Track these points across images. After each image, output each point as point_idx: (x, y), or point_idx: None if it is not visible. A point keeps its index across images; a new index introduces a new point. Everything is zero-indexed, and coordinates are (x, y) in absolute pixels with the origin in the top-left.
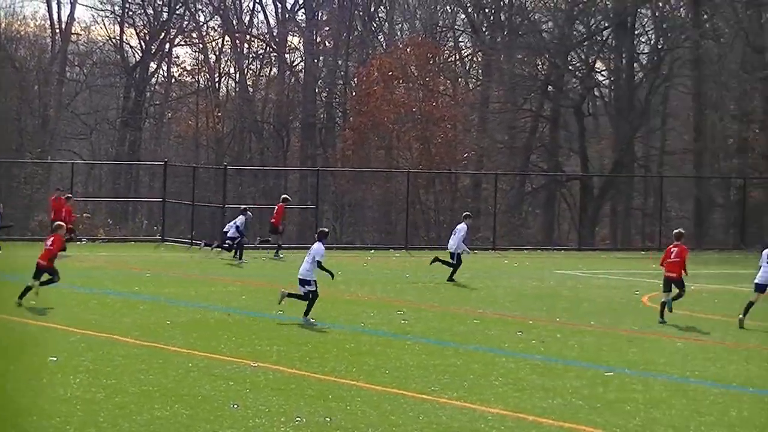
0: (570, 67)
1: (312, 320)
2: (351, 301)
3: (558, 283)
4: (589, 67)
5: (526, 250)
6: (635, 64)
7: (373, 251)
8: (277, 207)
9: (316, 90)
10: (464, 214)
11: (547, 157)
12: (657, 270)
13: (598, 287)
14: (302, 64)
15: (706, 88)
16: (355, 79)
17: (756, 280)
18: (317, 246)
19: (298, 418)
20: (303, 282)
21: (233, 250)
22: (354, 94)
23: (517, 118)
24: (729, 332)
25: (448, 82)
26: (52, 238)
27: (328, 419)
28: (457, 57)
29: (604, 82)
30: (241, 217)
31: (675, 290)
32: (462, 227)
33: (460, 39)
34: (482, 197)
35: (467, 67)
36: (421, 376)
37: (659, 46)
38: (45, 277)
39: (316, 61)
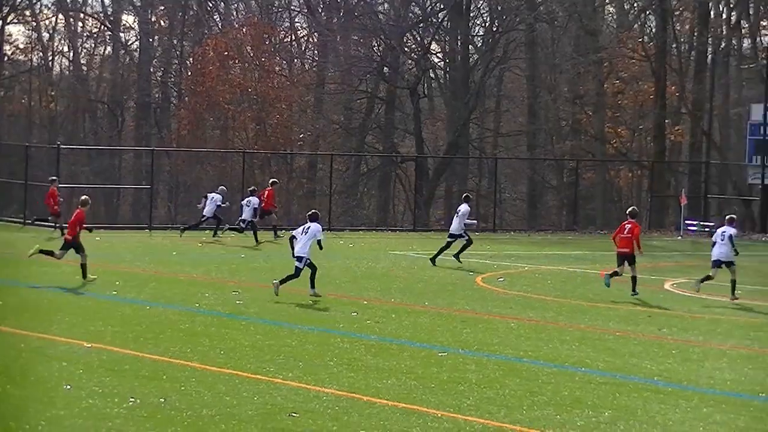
0: (405, 49)
1: (318, 292)
2: (186, 281)
3: (393, 263)
4: (425, 48)
5: (362, 230)
6: (470, 46)
7: (208, 231)
8: (267, 191)
9: (151, 69)
10: (464, 195)
11: (383, 138)
12: (491, 251)
13: (433, 268)
14: (137, 43)
15: (540, 70)
16: (191, 59)
17: (714, 258)
18: (315, 226)
19: (132, 399)
20: (300, 258)
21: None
22: (189, 74)
23: (352, 99)
24: (562, 312)
25: (284, 62)
26: (76, 212)
27: (162, 400)
28: (293, 38)
29: (439, 64)
30: (254, 198)
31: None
32: (465, 208)
33: (296, 19)
34: (318, 178)
35: (303, 48)
36: (255, 357)
37: (494, 29)
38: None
39: (151, 40)
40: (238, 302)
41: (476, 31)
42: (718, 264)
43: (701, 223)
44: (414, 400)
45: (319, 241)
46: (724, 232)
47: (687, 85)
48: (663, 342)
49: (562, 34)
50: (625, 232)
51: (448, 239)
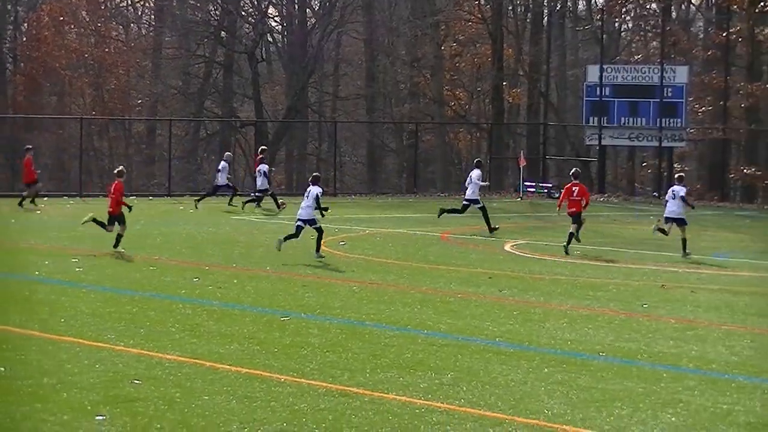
0: (243, 13)
1: (323, 256)
2: (26, 250)
3: (234, 228)
4: (262, 12)
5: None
6: (307, 10)
7: (46, 198)
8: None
9: None
10: (476, 160)
11: (222, 102)
12: (332, 215)
13: (274, 233)
14: None
15: (378, 34)
16: (26, 24)
17: (666, 215)
18: (315, 189)
19: None
20: (307, 222)
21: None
22: (24, 39)
23: (190, 64)
24: (403, 275)
25: (121, 27)
26: (114, 185)
27: (2, 369)
28: (129, 2)
29: (276, 28)
30: (265, 166)
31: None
32: (477, 173)
33: None
34: (157, 143)
35: (139, 13)
36: (96, 324)
37: None
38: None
39: None
40: (78, 269)
41: None
42: (670, 221)
43: (540, 184)
44: (257, 365)
45: (318, 203)
46: (675, 191)
47: (524, 47)
48: (504, 303)
49: None
50: (575, 195)
51: (464, 203)
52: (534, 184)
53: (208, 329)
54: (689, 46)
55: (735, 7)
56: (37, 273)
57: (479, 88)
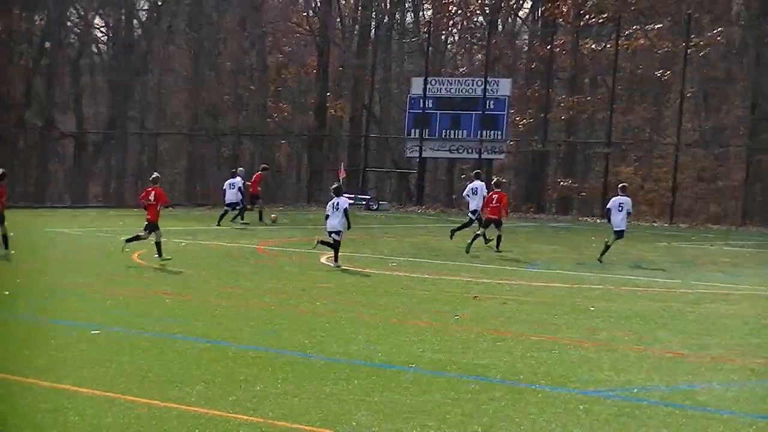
0: (68, 23)
1: (341, 265)
2: None
3: (49, 241)
4: (88, 22)
5: (18, 207)
6: (134, 21)
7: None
8: (255, 176)
9: None
10: (476, 172)
11: (42, 113)
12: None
13: (87, 247)
14: None
15: (204, 45)
16: None
17: (617, 228)
18: (343, 200)
19: None
20: (335, 232)
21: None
22: None
23: (12, 72)
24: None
25: None
26: (153, 193)
27: None
28: None
29: (102, 38)
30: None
31: (495, 230)
32: (481, 184)
33: None
34: None
35: None
36: None
37: (159, 3)
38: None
39: None
40: None
41: (141, 5)
42: (620, 234)
43: (359, 196)
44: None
45: (345, 212)
46: (622, 203)
47: (350, 59)
48: (315, 315)
49: (227, 10)
50: (494, 202)
51: (470, 217)
52: (353, 195)
53: None
54: (513, 58)
55: (561, 20)
56: None
57: (303, 100)
